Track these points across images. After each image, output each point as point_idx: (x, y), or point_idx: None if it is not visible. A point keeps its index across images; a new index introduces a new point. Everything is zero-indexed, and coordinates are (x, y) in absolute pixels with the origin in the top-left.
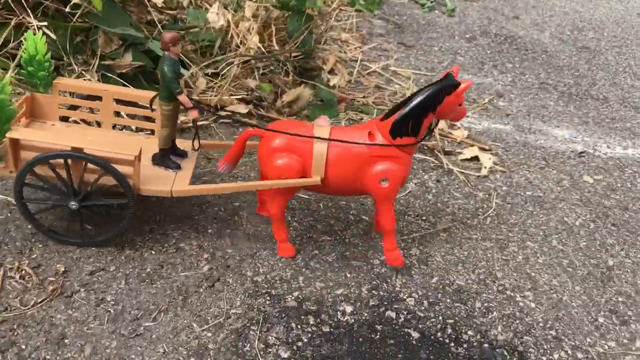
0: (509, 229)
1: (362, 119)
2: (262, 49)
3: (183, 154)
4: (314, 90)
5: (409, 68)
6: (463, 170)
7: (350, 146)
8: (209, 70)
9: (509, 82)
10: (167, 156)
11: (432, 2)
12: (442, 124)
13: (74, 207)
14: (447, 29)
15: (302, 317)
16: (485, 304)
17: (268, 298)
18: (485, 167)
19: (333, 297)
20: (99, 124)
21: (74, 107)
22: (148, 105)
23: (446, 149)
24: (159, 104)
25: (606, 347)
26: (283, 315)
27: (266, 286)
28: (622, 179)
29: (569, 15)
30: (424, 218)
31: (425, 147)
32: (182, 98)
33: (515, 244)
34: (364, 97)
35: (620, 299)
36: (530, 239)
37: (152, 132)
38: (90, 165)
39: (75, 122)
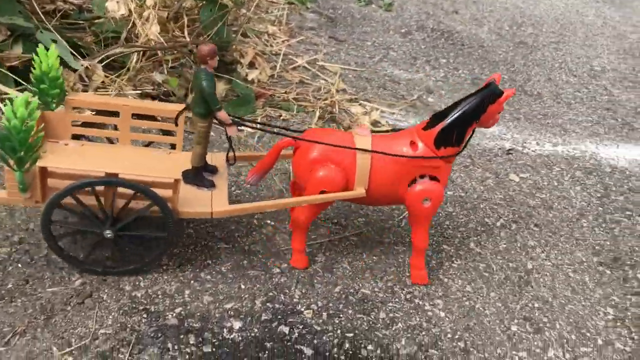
0: None
1: (280, 116)
2: (161, 39)
3: (214, 170)
4: (229, 85)
5: (338, 63)
6: None
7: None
8: (111, 63)
9: (441, 77)
10: (201, 174)
11: None
12: (366, 120)
13: (109, 235)
14: (383, 23)
15: (182, 336)
16: (391, 315)
17: (145, 315)
18: None
19: (221, 312)
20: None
21: (86, 124)
22: (168, 119)
23: None
24: (193, 120)
25: (517, 358)
26: (159, 334)
27: (145, 302)
28: (549, 177)
29: (509, 11)
30: (335, 221)
31: None
32: (222, 114)
33: (429, 247)
34: (285, 92)
35: (536, 305)
36: (447, 241)
37: (173, 146)
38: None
39: (87, 139)
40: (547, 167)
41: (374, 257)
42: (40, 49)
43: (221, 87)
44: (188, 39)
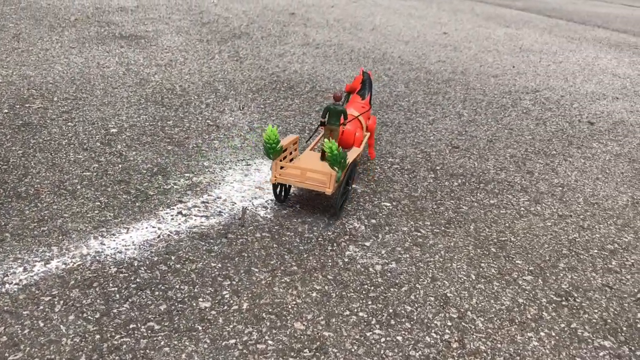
0: None
1: None
2: None
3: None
4: None
5: None
6: None
7: None
8: None
9: None
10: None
11: None
12: None
13: (349, 188)
14: None
15: None
16: None
17: None
18: None
19: None
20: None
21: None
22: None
23: None
24: (331, 129)
25: None
26: None
27: None
28: (34, 319)
29: (14, 86)
30: None
31: None
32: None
33: None
34: None
35: None
36: None
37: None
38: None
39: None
40: (33, 303)
41: None
42: (269, 128)
43: None
44: None
